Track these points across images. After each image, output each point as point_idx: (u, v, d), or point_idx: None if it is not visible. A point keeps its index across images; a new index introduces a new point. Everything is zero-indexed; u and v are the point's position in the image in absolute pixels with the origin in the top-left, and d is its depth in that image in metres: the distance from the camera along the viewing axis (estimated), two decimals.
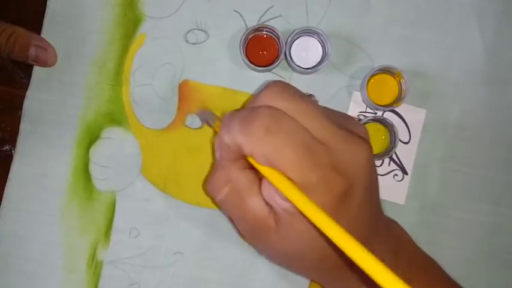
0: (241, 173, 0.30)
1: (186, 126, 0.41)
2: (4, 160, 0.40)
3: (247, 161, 0.30)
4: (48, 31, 0.40)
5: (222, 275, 0.40)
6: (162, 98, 0.41)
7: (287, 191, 0.27)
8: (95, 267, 0.40)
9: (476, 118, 0.41)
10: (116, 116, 0.41)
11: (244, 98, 0.41)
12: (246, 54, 0.40)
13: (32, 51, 0.38)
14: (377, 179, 0.32)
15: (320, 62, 0.40)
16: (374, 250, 0.32)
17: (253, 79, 0.41)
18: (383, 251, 0.32)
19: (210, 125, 0.37)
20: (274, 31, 0.39)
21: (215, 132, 0.35)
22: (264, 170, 0.28)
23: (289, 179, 0.27)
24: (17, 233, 0.40)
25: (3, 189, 0.40)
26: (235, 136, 0.28)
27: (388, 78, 0.40)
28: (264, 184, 0.30)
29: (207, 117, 0.37)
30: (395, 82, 0.40)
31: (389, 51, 0.41)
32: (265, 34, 0.40)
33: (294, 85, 0.40)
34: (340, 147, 0.28)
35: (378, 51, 0.41)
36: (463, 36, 0.42)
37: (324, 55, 0.40)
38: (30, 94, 0.40)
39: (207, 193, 0.37)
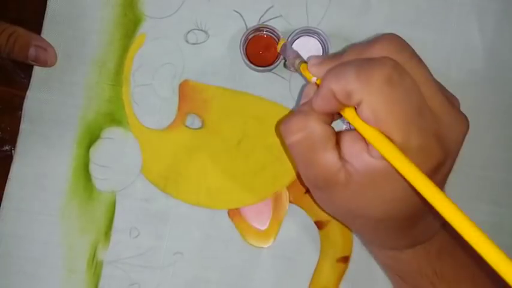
0: (321, 125, 0.30)
1: (186, 126, 0.41)
2: (4, 160, 0.40)
3: (330, 117, 0.30)
4: (48, 31, 0.40)
5: (222, 275, 0.40)
6: (162, 98, 0.41)
7: (387, 151, 0.26)
8: (95, 267, 0.40)
9: (475, 118, 0.41)
10: (116, 116, 0.41)
11: (244, 98, 0.41)
12: (246, 54, 0.40)
13: (32, 51, 0.38)
14: None
15: None
16: (430, 217, 0.32)
17: (253, 79, 0.41)
18: (434, 219, 0.33)
19: (292, 67, 0.36)
20: (274, 31, 0.39)
21: (304, 75, 0.34)
22: (362, 124, 0.27)
23: (389, 138, 0.27)
24: (17, 233, 0.40)
25: (3, 189, 0.40)
26: (349, 82, 0.27)
27: None
28: (348, 140, 0.29)
29: (290, 58, 0.36)
30: None
31: None
32: (265, 34, 0.40)
33: (294, 85, 0.41)
34: (446, 120, 0.28)
35: None
36: (463, 36, 0.42)
37: (324, 55, 0.40)
38: (30, 94, 0.40)
39: (279, 132, 0.37)
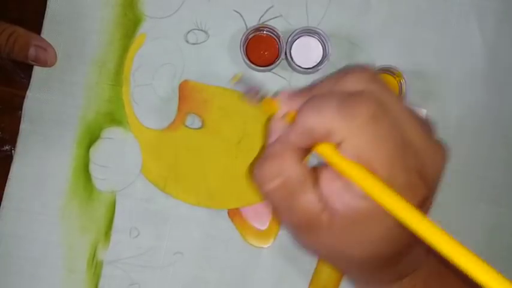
0: (296, 166, 0.27)
1: (186, 126, 0.41)
2: (4, 160, 0.40)
3: (304, 152, 0.28)
4: (48, 31, 0.40)
5: (222, 275, 0.40)
6: (162, 98, 0.41)
7: (372, 188, 0.25)
8: (95, 267, 0.40)
9: (476, 118, 0.41)
10: (116, 116, 0.41)
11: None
12: (246, 54, 0.40)
13: (32, 51, 0.38)
14: None
15: (320, 62, 0.40)
16: (417, 248, 0.31)
17: (253, 79, 0.41)
18: (420, 248, 0.32)
19: (251, 101, 0.32)
20: (274, 31, 0.39)
21: (266, 110, 0.31)
22: (344, 162, 0.25)
23: (374, 175, 0.25)
24: (17, 233, 0.40)
25: (3, 189, 0.40)
26: (331, 119, 0.25)
27: (388, 78, 0.40)
28: (327, 179, 0.27)
29: (251, 92, 0.32)
30: (396, 82, 0.40)
31: (389, 51, 0.41)
32: (265, 34, 0.40)
33: (294, 85, 0.41)
34: (428, 154, 0.27)
35: (378, 51, 0.41)
36: (463, 36, 0.42)
37: (324, 55, 0.40)
38: (30, 94, 0.40)
39: (253, 180, 0.36)
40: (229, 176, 0.40)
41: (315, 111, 0.26)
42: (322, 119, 0.25)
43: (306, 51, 0.40)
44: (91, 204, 0.40)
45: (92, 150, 0.40)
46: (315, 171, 0.28)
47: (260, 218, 0.40)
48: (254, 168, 0.29)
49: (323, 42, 0.40)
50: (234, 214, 0.40)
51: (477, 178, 0.41)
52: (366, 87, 0.26)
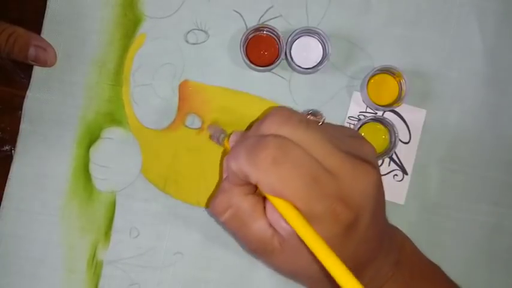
0: (243, 199, 0.31)
1: (186, 126, 0.41)
2: (4, 160, 0.40)
3: (252, 186, 0.30)
4: (48, 31, 0.40)
5: (221, 275, 0.40)
6: (162, 98, 0.41)
7: (291, 220, 0.27)
8: (95, 267, 0.40)
9: (476, 118, 0.41)
10: (116, 116, 0.41)
11: (244, 98, 0.41)
12: (247, 54, 0.40)
13: (32, 51, 0.38)
14: (383, 195, 0.31)
15: (320, 62, 0.40)
16: (378, 264, 0.32)
17: (253, 79, 0.41)
18: (386, 263, 0.33)
19: (218, 142, 0.38)
20: (274, 31, 0.39)
21: (224, 150, 0.36)
22: (270, 197, 0.28)
23: (295, 207, 0.27)
24: (17, 233, 0.40)
25: (3, 189, 0.40)
26: (242, 165, 0.28)
27: (388, 78, 0.40)
28: (269, 208, 0.30)
29: (217, 133, 0.38)
30: (396, 82, 0.40)
31: (389, 51, 0.41)
32: (265, 34, 0.40)
33: (294, 85, 0.41)
34: (348, 177, 0.28)
35: (378, 51, 0.41)
36: (463, 36, 0.42)
37: (324, 55, 0.40)
38: (30, 94, 0.40)
39: (210, 212, 0.38)
40: None
41: (233, 159, 0.29)
42: (238, 165, 0.29)
43: (306, 51, 0.40)
44: (91, 204, 0.40)
45: (92, 150, 0.40)
46: (265, 201, 0.31)
47: None
48: (210, 203, 0.33)
49: (323, 42, 0.40)
50: None
51: (477, 178, 0.41)
52: (276, 130, 0.29)
